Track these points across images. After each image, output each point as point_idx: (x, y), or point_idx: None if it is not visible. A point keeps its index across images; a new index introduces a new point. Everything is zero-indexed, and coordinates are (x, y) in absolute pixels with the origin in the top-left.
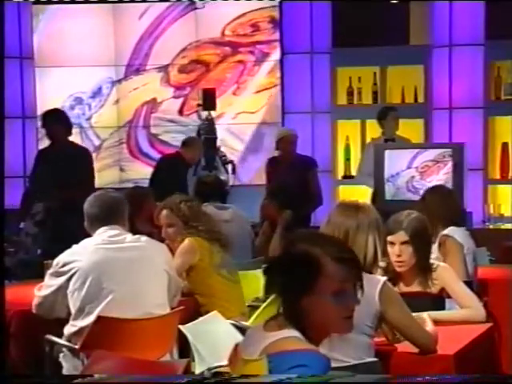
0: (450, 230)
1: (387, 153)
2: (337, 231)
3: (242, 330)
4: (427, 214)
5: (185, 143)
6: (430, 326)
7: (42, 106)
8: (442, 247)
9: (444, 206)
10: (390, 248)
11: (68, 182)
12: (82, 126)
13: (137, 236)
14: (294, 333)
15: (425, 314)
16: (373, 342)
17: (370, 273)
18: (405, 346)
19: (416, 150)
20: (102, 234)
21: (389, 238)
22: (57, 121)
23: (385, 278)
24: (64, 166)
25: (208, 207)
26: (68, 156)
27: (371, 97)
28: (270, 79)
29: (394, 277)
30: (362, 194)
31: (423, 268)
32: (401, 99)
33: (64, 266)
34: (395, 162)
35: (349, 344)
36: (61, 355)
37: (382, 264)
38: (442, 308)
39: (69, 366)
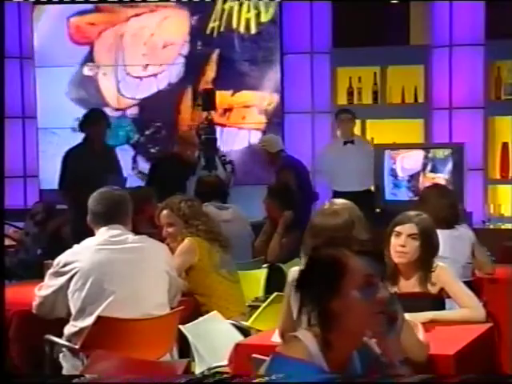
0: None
1: (387, 153)
2: (318, 235)
3: (242, 330)
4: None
5: (180, 140)
6: (421, 334)
7: None
8: None
9: (439, 204)
10: (394, 239)
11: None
12: None
13: (138, 236)
14: (307, 337)
15: (420, 318)
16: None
17: None
18: None
19: (416, 150)
20: (104, 233)
21: (396, 228)
22: (100, 120)
23: None
24: (106, 163)
25: (208, 207)
26: (107, 154)
27: (371, 97)
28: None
29: (391, 276)
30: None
31: (425, 266)
32: (401, 99)
33: (65, 265)
34: (395, 162)
35: None
36: (61, 355)
37: None
38: (442, 308)
39: (69, 366)
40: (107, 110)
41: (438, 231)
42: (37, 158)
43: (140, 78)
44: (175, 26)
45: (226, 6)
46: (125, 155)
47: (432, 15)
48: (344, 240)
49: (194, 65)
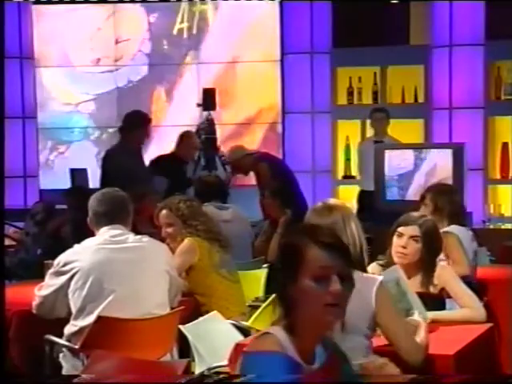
0: (453, 228)
1: (387, 153)
2: None
3: (242, 330)
4: (430, 212)
5: (179, 139)
6: (421, 335)
7: None
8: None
9: (448, 203)
10: (396, 239)
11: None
12: None
13: (139, 236)
14: (277, 330)
15: (420, 318)
16: (370, 343)
17: (363, 266)
18: None
19: (416, 150)
20: (105, 233)
21: (399, 229)
22: (140, 123)
23: (381, 278)
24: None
25: (208, 207)
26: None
27: (371, 97)
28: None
29: None
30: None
31: (427, 268)
32: (401, 99)
33: (65, 265)
34: (395, 162)
35: (344, 344)
36: (61, 355)
37: (380, 262)
38: (442, 308)
39: (69, 366)
40: (53, 104)
41: (457, 227)
42: (37, 157)
43: (91, 72)
44: (128, 21)
45: (197, 9)
46: (86, 152)
47: (432, 15)
48: (310, 229)
49: (161, 64)
